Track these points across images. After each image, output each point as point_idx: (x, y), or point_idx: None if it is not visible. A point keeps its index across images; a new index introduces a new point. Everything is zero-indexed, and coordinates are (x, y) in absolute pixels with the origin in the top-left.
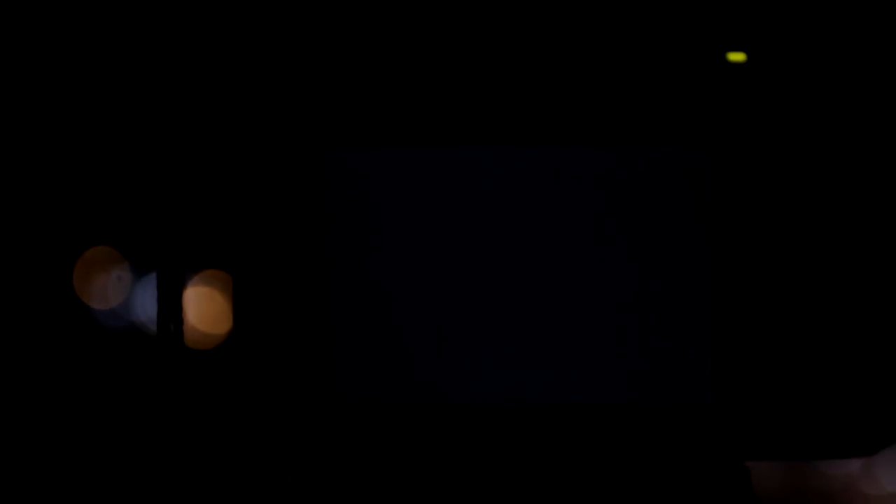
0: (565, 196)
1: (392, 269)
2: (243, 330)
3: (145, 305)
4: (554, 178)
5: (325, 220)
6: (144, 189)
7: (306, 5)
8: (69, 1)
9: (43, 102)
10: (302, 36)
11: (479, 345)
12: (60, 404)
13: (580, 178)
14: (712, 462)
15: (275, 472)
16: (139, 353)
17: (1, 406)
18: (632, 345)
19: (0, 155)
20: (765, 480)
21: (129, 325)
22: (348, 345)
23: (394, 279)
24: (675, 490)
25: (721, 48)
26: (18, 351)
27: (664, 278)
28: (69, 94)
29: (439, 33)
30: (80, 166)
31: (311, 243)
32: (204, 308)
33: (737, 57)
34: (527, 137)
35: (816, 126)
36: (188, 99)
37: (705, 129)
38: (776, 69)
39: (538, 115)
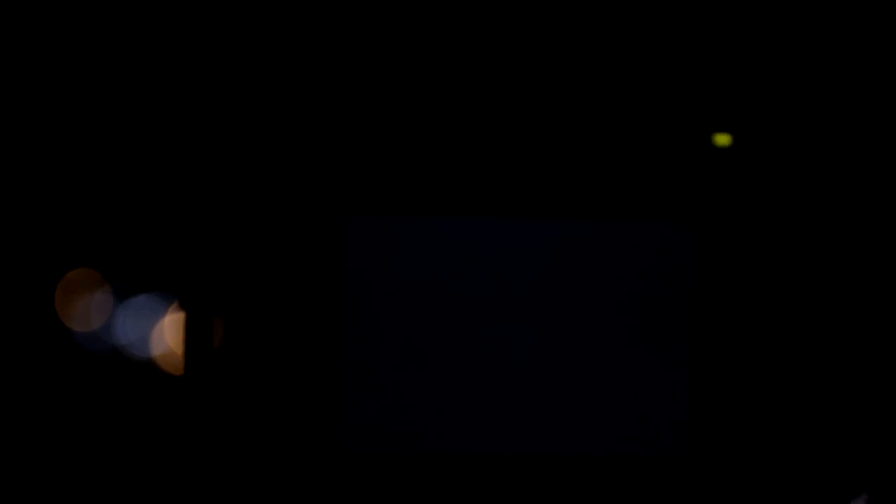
0: (561, 264)
1: (400, 327)
2: (259, 380)
3: (126, 329)
4: (551, 248)
5: (341, 280)
6: (179, 239)
7: (334, 73)
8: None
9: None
10: (329, 106)
11: (478, 400)
12: (41, 423)
13: (576, 248)
14: None
15: None
16: (123, 377)
17: None
18: (614, 401)
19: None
20: None
21: (110, 348)
22: (355, 399)
23: (402, 337)
24: None
25: (707, 129)
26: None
27: (647, 340)
28: (90, 134)
29: (460, 113)
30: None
31: (326, 301)
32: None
33: (723, 140)
34: (530, 210)
35: (796, 203)
36: (217, 156)
37: (690, 205)
38: (759, 150)
39: (541, 191)
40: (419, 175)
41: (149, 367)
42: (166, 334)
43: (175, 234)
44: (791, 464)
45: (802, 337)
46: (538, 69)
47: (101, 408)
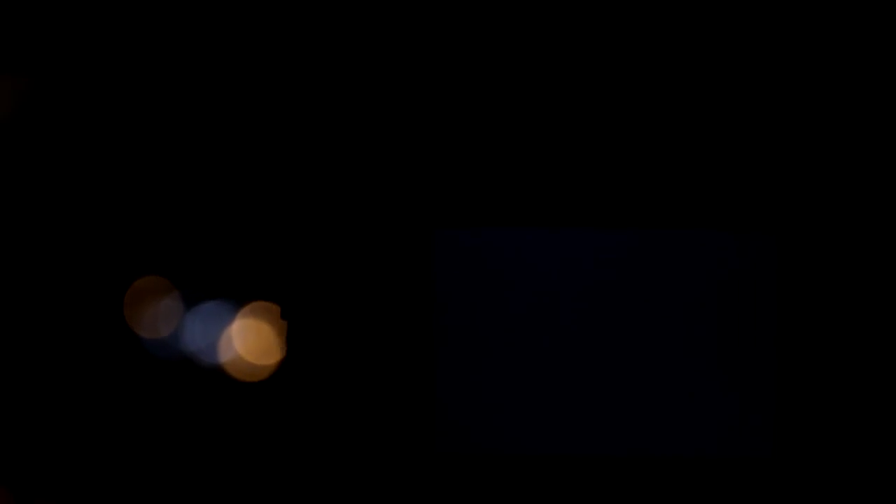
0: (645, 274)
1: (491, 341)
2: (352, 400)
3: (195, 336)
4: (634, 259)
5: (432, 296)
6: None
7: (417, 90)
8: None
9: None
10: (416, 118)
11: (565, 403)
12: (105, 428)
13: (658, 258)
14: None
15: None
16: (192, 383)
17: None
18: (698, 402)
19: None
20: None
21: (178, 355)
22: (449, 409)
23: (493, 350)
24: None
25: (791, 134)
26: (64, 378)
27: (732, 345)
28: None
29: (546, 119)
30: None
31: (417, 317)
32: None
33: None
34: (613, 221)
35: (884, 210)
36: (303, 171)
37: (772, 214)
38: (846, 158)
39: (625, 201)
40: (505, 185)
41: (218, 373)
42: (235, 341)
43: (254, 243)
44: (875, 467)
45: (887, 343)
46: (617, 73)
47: (171, 413)
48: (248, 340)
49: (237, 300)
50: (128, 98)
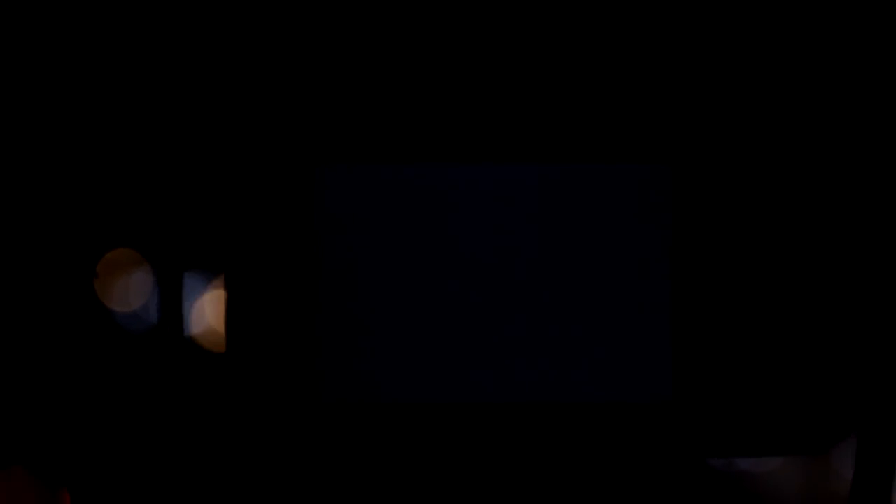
0: (536, 209)
1: (377, 278)
2: (235, 335)
3: (166, 307)
4: (526, 193)
5: (314, 230)
6: (152, 194)
7: (302, 21)
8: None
9: (60, 107)
10: (297, 50)
11: (457, 347)
12: (77, 406)
13: (550, 192)
14: (673, 459)
15: (263, 474)
16: (157, 355)
17: (16, 409)
18: (595, 344)
19: (14, 158)
20: (726, 477)
21: (149, 327)
22: (333, 351)
23: (379, 288)
24: (636, 487)
25: (685, 63)
26: (37, 353)
27: (626, 282)
28: (85, 99)
29: (432, 52)
30: (91, 170)
31: (301, 252)
32: (219, 311)
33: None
34: (504, 155)
35: (776, 139)
36: (189, 110)
37: (667, 144)
38: (738, 85)
39: (515, 134)
40: (391, 121)
41: (189, 344)
42: (206, 312)
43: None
44: (776, 404)
45: (790, 270)
46: (514, 5)
47: (143, 385)
48: (219, 311)
49: (210, 271)
50: (80, 73)
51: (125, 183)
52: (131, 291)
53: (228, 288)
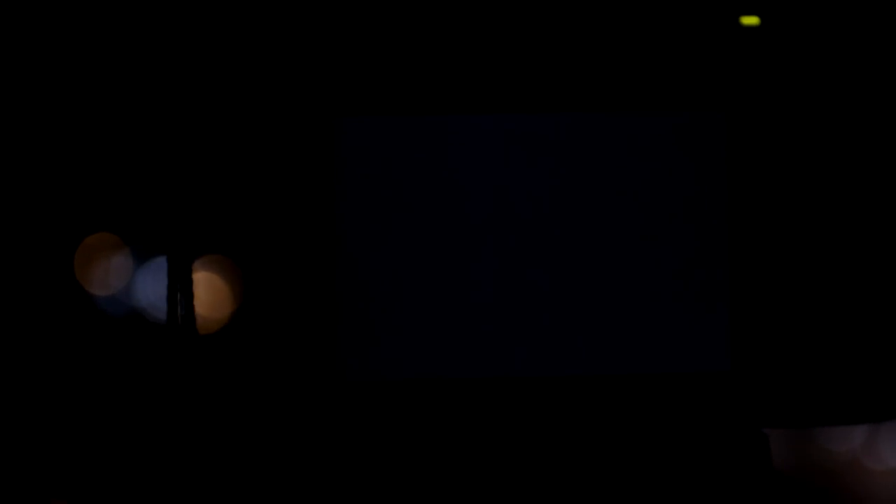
0: (578, 163)
1: (399, 242)
2: (249, 312)
3: (147, 291)
4: (567, 145)
5: (333, 191)
6: (147, 169)
7: None
8: None
9: (39, 89)
10: (311, 5)
11: (492, 317)
12: (63, 393)
13: (594, 145)
14: (730, 429)
15: (281, 456)
16: (143, 339)
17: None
18: (651, 314)
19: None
20: (781, 448)
21: (131, 310)
22: (352, 325)
23: (401, 252)
24: (693, 456)
25: (734, 12)
26: (20, 340)
27: (682, 246)
28: (65, 76)
29: (452, 3)
30: (78, 152)
31: (318, 219)
32: (209, 292)
33: (750, 21)
34: (538, 105)
35: (830, 87)
36: (192, 76)
37: (720, 91)
38: (789, 31)
39: (550, 83)
40: (409, 73)
41: (171, 327)
42: (211, 292)
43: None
44: (837, 377)
45: (851, 237)
46: None
47: (121, 369)
48: (199, 294)
49: (189, 254)
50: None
51: (141, 155)
52: (114, 274)
53: (244, 261)
